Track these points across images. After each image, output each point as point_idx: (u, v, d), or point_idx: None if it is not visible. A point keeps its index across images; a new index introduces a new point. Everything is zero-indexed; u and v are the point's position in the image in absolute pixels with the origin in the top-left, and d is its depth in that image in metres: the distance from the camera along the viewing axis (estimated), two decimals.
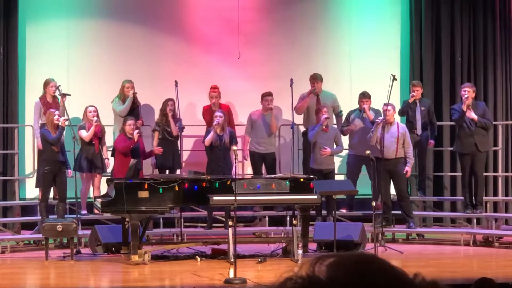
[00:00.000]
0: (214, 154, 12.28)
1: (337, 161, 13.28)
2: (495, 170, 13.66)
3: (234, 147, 10.55)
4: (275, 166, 13.00)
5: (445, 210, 13.70)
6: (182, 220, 12.22)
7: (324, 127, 12.37)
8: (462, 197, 12.92)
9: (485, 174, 13.11)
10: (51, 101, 12.42)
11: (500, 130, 13.52)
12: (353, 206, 13.14)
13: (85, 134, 12.12)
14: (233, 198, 9.78)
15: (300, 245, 10.30)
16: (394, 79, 12.08)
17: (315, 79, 13.02)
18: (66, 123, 11.72)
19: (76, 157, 12.08)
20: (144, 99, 13.15)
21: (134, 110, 12.67)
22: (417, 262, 10.48)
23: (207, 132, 12.33)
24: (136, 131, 11.92)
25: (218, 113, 12.22)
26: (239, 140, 13.42)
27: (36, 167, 12.88)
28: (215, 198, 10.37)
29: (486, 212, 12.82)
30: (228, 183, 10.55)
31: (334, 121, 13.13)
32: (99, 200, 10.78)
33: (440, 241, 12.70)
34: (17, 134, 13.01)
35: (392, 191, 12.49)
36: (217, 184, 10.57)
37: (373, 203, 11.22)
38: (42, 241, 11.17)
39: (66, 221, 10.94)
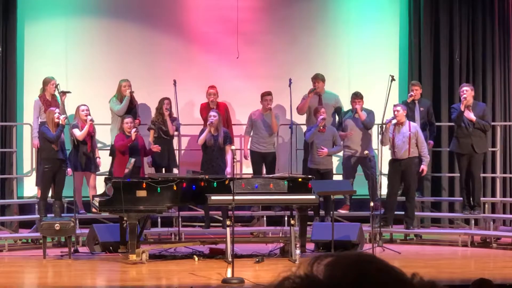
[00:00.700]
0: (208, 154, 12.27)
1: (335, 161, 13.28)
2: (493, 171, 13.66)
3: (233, 147, 10.55)
4: (274, 165, 12.99)
5: (443, 211, 13.70)
6: (180, 219, 12.22)
7: (321, 127, 12.36)
8: (461, 198, 12.93)
9: (483, 175, 13.11)
10: (51, 99, 12.41)
11: (498, 131, 13.52)
12: (350, 206, 13.13)
13: (78, 133, 12.10)
14: (231, 197, 9.78)
15: (298, 245, 10.30)
16: (393, 79, 12.08)
17: (317, 78, 13.02)
18: (66, 121, 11.72)
19: (68, 156, 12.07)
20: (142, 98, 13.16)
21: (132, 110, 12.67)
22: (415, 262, 10.48)
23: (202, 132, 12.31)
24: (134, 129, 11.93)
25: (212, 113, 12.20)
26: (238, 139, 13.43)
27: (34, 166, 12.88)
28: (213, 197, 10.37)
29: (484, 213, 12.82)
30: (226, 182, 10.55)
31: (337, 121, 13.14)
32: (97, 199, 10.77)
33: (438, 241, 12.70)
34: (15, 132, 13.00)
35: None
36: (215, 183, 10.57)
37: (371, 204, 11.22)
38: (40, 239, 11.18)
39: (64, 220, 10.94)
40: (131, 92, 12.59)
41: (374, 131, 13.04)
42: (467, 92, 12.32)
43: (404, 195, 12.47)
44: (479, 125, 12.32)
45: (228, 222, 10.14)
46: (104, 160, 12.68)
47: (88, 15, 13.73)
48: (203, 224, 12.75)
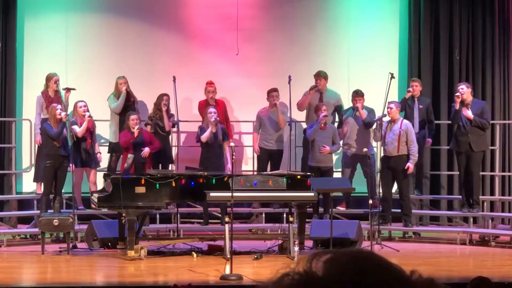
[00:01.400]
0: (210, 151, 12.27)
1: (335, 158, 13.27)
2: (492, 169, 13.67)
3: (232, 143, 10.55)
4: (279, 163, 12.98)
5: (442, 209, 13.71)
6: (178, 216, 12.22)
7: (322, 125, 12.36)
8: (460, 196, 12.94)
9: (482, 173, 13.12)
10: (53, 96, 12.41)
11: (498, 129, 13.52)
12: (349, 203, 13.14)
13: (78, 130, 12.11)
14: (229, 194, 9.77)
15: (296, 242, 10.31)
16: (392, 77, 12.08)
17: (319, 76, 13.02)
18: (66, 118, 11.71)
19: (68, 152, 12.09)
20: (141, 95, 13.16)
21: (130, 106, 12.66)
22: (413, 260, 10.48)
23: (201, 129, 12.29)
24: (137, 126, 11.94)
25: (212, 109, 12.19)
26: (236, 136, 13.44)
27: (33, 162, 12.88)
28: (211, 194, 10.37)
29: (482, 211, 12.83)
30: (225, 179, 10.55)
31: (337, 119, 13.14)
32: (95, 195, 10.77)
33: (437, 239, 12.70)
34: (14, 128, 13.00)
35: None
36: (214, 180, 10.57)
37: (370, 201, 11.22)
38: (39, 235, 11.18)
39: (63, 216, 10.94)
40: (126, 89, 12.58)
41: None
42: (463, 90, 12.31)
43: (399, 193, 12.46)
44: (477, 123, 12.31)
45: (226, 219, 10.14)
46: (105, 156, 12.70)
47: (88, 12, 13.72)
48: (201, 220, 12.75)
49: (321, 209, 12.52)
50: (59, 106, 11.76)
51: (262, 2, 14.18)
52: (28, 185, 13.21)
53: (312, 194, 10.71)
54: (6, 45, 13.14)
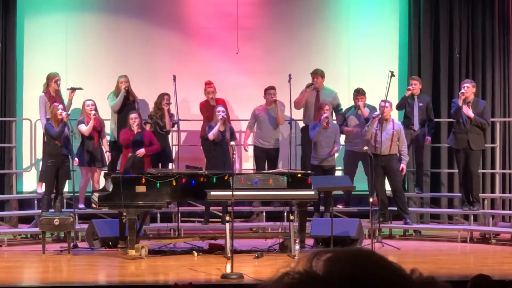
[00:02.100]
0: (216, 150, 12.29)
1: (338, 157, 13.26)
2: (493, 167, 13.67)
3: (232, 143, 10.57)
4: (276, 161, 12.99)
5: (442, 207, 13.71)
6: (179, 214, 12.23)
7: (324, 124, 12.36)
8: (460, 194, 12.94)
9: (482, 171, 13.13)
10: (55, 95, 12.41)
11: (498, 127, 13.52)
12: (350, 202, 13.15)
13: (84, 129, 12.14)
14: (230, 193, 9.77)
15: (297, 241, 10.32)
16: (392, 75, 12.07)
17: (316, 74, 13.01)
18: (67, 118, 11.68)
19: (76, 151, 12.12)
20: (141, 94, 13.15)
21: (129, 105, 12.66)
22: (414, 258, 10.48)
23: (209, 127, 12.30)
24: (136, 123, 11.94)
25: (220, 108, 12.22)
26: (237, 135, 13.43)
27: (34, 161, 12.89)
28: (212, 193, 10.37)
29: (483, 209, 12.83)
30: (226, 178, 10.55)
31: (334, 117, 13.13)
32: (96, 194, 10.77)
33: (437, 237, 12.71)
34: (14, 127, 13.00)
35: (387, 186, 12.51)
36: (214, 179, 10.57)
37: (370, 199, 11.22)
38: (39, 235, 11.19)
39: (63, 215, 10.94)
40: (125, 88, 12.58)
41: None
42: (468, 88, 12.30)
43: (392, 192, 12.45)
44: (477, 122, 12.31)
45: (227, 218, 10.15)
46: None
47: (88, 11, 13.72)
48: (202, 219, 12.75)
49: (322, 208, 12.51)
50: (60, 106, 11.76)
51: (262, 0, 14.18)
52: (29, 184, 13.22)
53: (312, 192, 10.71)
54: (6, 44, 13.13)
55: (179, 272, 9.51)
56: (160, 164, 12.65)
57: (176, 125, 12.97)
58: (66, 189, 12.26)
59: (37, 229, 11.42)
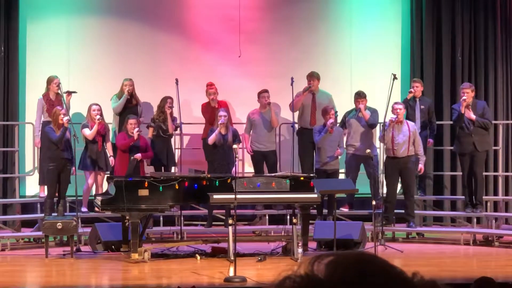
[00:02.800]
0: (217, 153, 12.29)
1: (341, 160, 13.25)
2: (496, 169, 13.66)
3: (235, 146, 10.57)
4: (276, 164, 12.99)
5: (445, 209, 13.71)
6: (182, 218, 12.22)
7: (329, 129, 12.35)
8: (463, 196, 12.93)
9: (485, 173, 13.12)
10: (54, 99, 12.42)
11: (501, 130, 13.52)
12: (353, 205, 13.14)
13: (88, 133, 12.14)
14: (233, 196, 9.78)
15: (300, 244, 10.30)
16: (395, 78, 12.07)
17: (312, 76, 13.02)
18: (68, 123, 11.68)
19: (80, 155, 12.12)
20: (144, 97, 13.16)
21: (132, 108, 12.67)
22: (417, 261, 10.48)
23: (210, 131, 12.31)
24: (136, 129, 11.94)
25: (222, 113, 12.22)
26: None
27: (36, 165, 12.90)
28: (215, 196, 10.37)
29: (486, 211, 12.82)
30: (228, 181, 10.55)
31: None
32: (99, 198, 10.77)
33: (440, 240, 12.70)
34: (17, 131, 13.01)
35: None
36: (217, 182, 10.57)
37: (373, 202, 11.21)
38: (42, 238, 11.18)
39: (66, 219, 10.94)
40: (129, 91, 12.59)
41: (377, 130, 13.04)
42: (468, 94, 12.30)
43: (404, 193, 12.48)
44: (479, 123, 12.31)
45: (230, 221, 10.14)
46: None
47: (90, 14, 13.73)
48: (205, 223, 12.75)
49: (325, 211, 12.51)
50: (63, 111, 11.74)
51: (264, 4, 14.19)
52: (32, 188, 13.22)
53: (315, 195, 10.71)
54: (8, 48, 13.15)
55: (182, 276, 9.51)
56: (163, 167, 12.65)
57: (178, 129, 12.97)
58: (69, 192, 12.24)
59: (40, 233, 11.43)
